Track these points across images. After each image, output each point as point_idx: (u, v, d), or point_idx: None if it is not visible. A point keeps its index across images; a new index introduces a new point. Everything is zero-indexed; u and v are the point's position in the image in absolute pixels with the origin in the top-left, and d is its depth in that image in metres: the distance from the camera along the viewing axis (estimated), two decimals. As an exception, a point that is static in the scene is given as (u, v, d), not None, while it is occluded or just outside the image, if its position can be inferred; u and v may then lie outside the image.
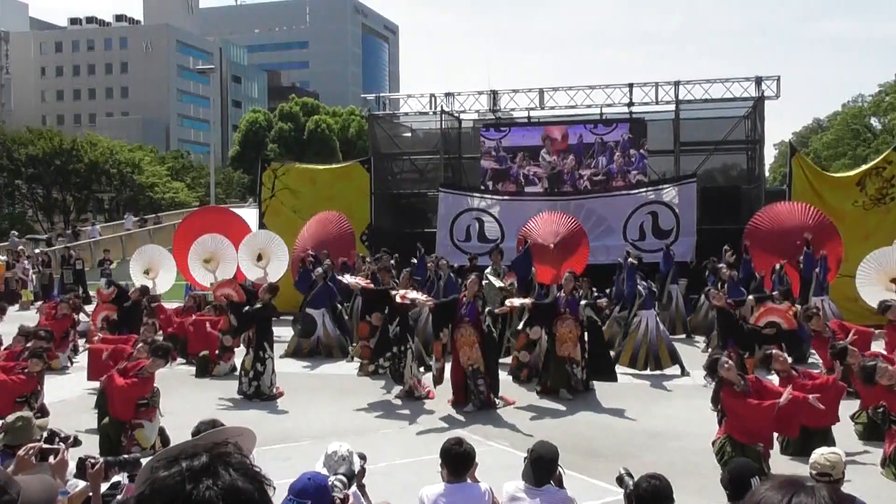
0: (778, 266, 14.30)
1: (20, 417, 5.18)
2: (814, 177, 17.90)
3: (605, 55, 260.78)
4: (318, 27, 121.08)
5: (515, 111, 23.32)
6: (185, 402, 10.51)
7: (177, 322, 14.13)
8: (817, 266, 13.99)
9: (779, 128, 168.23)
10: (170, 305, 15.61)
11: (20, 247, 29.27)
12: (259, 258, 16.30)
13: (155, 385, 8.43)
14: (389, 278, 12.98)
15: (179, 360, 12.65)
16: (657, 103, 21.16)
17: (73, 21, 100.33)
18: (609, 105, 21.61)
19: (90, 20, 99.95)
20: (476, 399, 10.18)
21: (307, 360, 13.82)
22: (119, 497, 3.96)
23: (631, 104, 21.22)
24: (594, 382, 11.21)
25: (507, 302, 11.62)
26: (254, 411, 10.22)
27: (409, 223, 21.61)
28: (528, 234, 15.13)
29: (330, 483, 4.18)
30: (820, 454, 5.43)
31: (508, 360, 12.98)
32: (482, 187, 20.95)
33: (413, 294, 11.04)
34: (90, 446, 7.69)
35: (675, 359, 12.32)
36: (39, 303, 19.83)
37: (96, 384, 9.66)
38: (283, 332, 13.93)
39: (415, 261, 17.35)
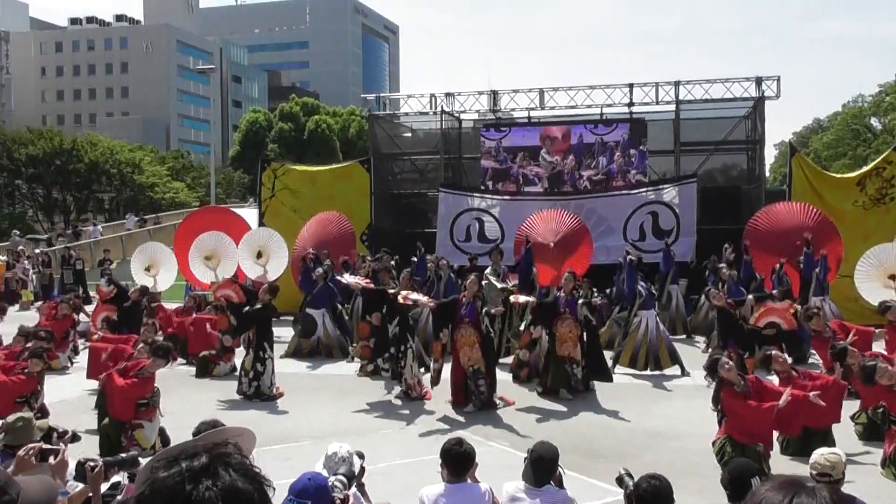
0: (777, 266, 14.30)
1: (20, 418, 5.17)
2: (814, 177, 17.91)
3: (605, 55, 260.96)
4: (318, 27, 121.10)
5: (516, 111, 23.32)
6: (186, 402, 10.50)
7: (177, 322, 14.13)
8: (817, 266, 13.99)
9: (779, 128, 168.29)
10: (170, 306, 15.61)
11: (20, 247, 29.27)
12: (259, 255, 16.30)
13: (155, 385, 8.43)
14: (389, 278, 12.98)
15: (180, 360, 12.64)
16: (657, 103, 21.17)
17: (74, 21, 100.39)
18: (609, 105, 21.63)
19: (90, 20, 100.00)
20: (476, 399, 10.17)
21: (307, 361, 13.82)
22: (119, 497, 3.96)
23: (631, 104, 21.22)
24: (594, 382, 11.21)
25: (512, 298, 11.65)
26: (254, 411, 10.22)
27: (409, 223, 21.61)
28: (528, 233, 15.10)
29: (330, 483, 4.18)
30: (820, 454, 5.43)
31: (509, 360, 13.00)
32: (482, 187, 20.96)
33: (415, 295, 11.05)
34: (90, 447, 7.70)
35: (674, 359, 12.32)
36: (39, 303, 19.82)
37: (96, 384, 9.66)
38: (284, 333, 13.92)
39: (415, 259, 17.36)
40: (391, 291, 11.57)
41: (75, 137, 53.60)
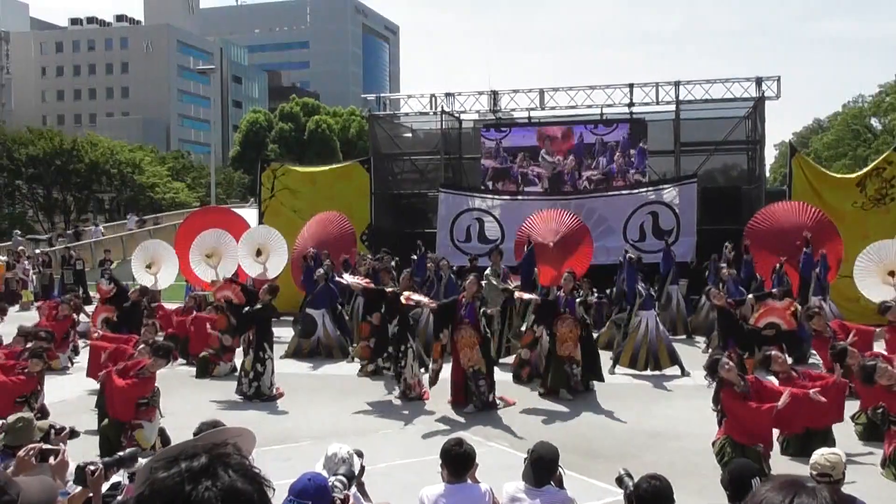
0: (777, 266, 14.30)
1: (20, 418, 5.17)
2: (814, 177, 17.91)
3: (605, 55, 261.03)
4: (318, 27, 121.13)
5: (516, 111, 23.33)
6: (186, 402, 10.50)
7: (177, 321, 14.14)
8: (817, 266, 13.98)
9: (779, 128, 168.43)
10: (170, 306, 15.61)
11: (20, 247, 29.28)
12: (258, 253, 16.29)
13: (156, 385, 8.43)
14: (389, 279, 12.98)
15: (180, 360, 12.63)
16: (657, 103, 21.19)
17: (74, 21, 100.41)
18: (609, 105, 21.65)
19: (91, 20, 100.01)
20: (477, 400, 10.17)
21: (307, 361, 13.82)
22: (119, 497, 3.95)
23: (631, 104, 21.23)
24: (594, 382, 11.21)
25: (516, 294, 11.66)
26: (254, 412, 10.22)
27: (409, 223, 21.62)
28: (529, 233, 15.09)
29: (330, 484, 4.17)
30: (820, 455, 5.43)
31: (509, 360, 13.00)
32: (482, 187, 20.96)
33: (417, 296, 11.07)
34: (90, 447, 7.71)
35: (674, 359, 12.32)
36: (39, 303, 19.80)
37: (96, 385, 9.65)
38: (284, 333, 13.92)
39: (415, 257, 17.37)
40: (389, 290, 11.58)
41: (75, 137, 53.60)
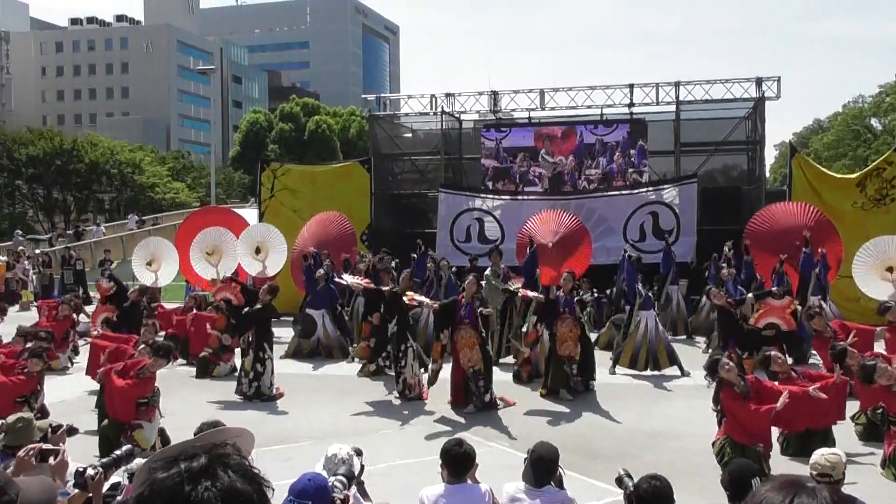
0: (778, 265, 14.30)
1: (20, 419, 5.16)
2: (814, 177, 17.91)
3: (605, 55, 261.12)
4: (318, 27, 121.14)
5: (516, 112, 23.34)
6: (186, 402, 10.50)
7: (177, 320, 14.13)
8: (816, 266, 13.98)
9: (779, 128, 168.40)
10: (170, 306, 15.60)
11: (20, 247, 29.27)
12: (258, 251, 16.29)
13: (156, 385, 8.42)
14: (389, 279, 12.98)
15: (180, 360, 12.63)
16: (657, 104, 21.20)
17: (74, 21, 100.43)
18: (609, 105, 21.66)
19: (91, 20, 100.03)
20: (477, 400, 10.17)
21: (307, 361, 13.82)
22: (119, 498, 3.95)
23: (631, 105, 21.24)
24: (594, 382, 11.21)
25: (521, 292, 11.67)
26: (254, 412, 10.21)
27: (409, 223, 21.62)
28: (529, 233, 15.08)
29: (330, 484, 4.17)
30: (820, 455, 5.43)
31: (509, 360, 13.00)
32: (483, 186, 20.97)
33: (420, 297, 11.09)
34: (90, 447, 7.71)
35: (673, 360, 12.31)
36: (39, 302, 19.79)
37: (96, 385, 9.64)
38: (284, 333, 13.92)
39: (415, 255, 17.37)
40: (385, 289, 11.59)
41: (75, 137, 53.61)
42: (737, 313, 11.00)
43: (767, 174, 37.74)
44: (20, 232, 33.95)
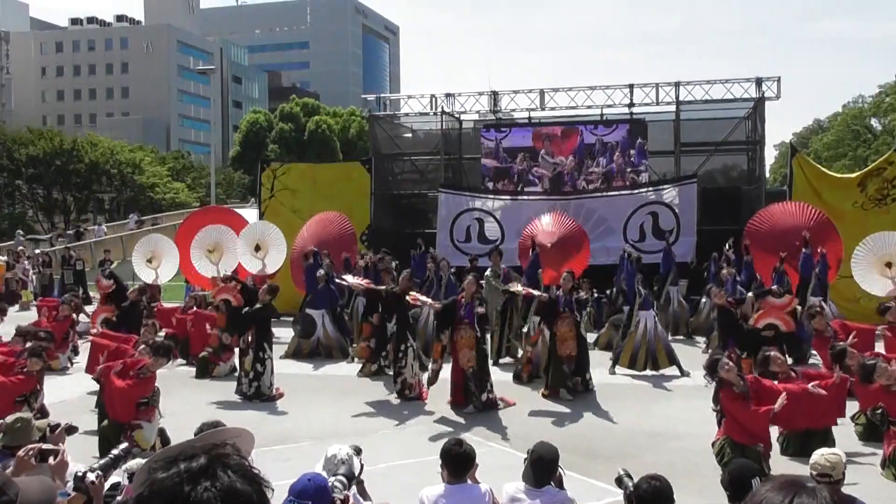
0: (778, 264, 14.29)
1: (19, 419, 5.16)
2: (814, 177, 17.91)
3: (605, 55, 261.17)
4: (318, 27, 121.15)
5: (516, 112, 23.34)
6: (186, 403, 10.50)
7: (177, 320, 14.13)
8: (816, 266, 13.97)
9: (779, 128, 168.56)
10: (170, 306, 15.59)
11: (20, 247, 29.27)
12: (257, 249, 16.28)
13: (156, 385, 8.42)
14: (390, 280, 12.98)
15: (180, 360, 12.63)
16: (657, 104, 21.20)
17: (74, 21, 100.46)
18: (609, 106, 21.67)
19: (91, 20, 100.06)
20: (477, 400, 10.17)
21: (307, 361, 13.82)
22: (119, 498, 3.95)
23: (631, 105, 21.24)
24: (594, 382, 11.21)
25: (524, 291, 11.68)
26: (254, 412, 10.21)
27: (409, 223, 21.62)
28: (531, 235, 15.08)
29: (330, 484, 4.17)
30: (820, 455, 5.43)
31: (509, 359, 13.00)
32: (483, 187, 20.96)
33: (423, 298, 11.10)
34: (90, 447, 7.71)
35: (672, 360, 12.31)
36: (38, 301, 19.78)
37: (96, 385, 9.63)
38: (284, 333, 13.92)
39: (414, 253, 17.35)
40: (381, 288, 11.59)
41: (75, 138, 53.62)
42: (737, 313, 10.99)
43: (767, 174, 37.74)
44: (21, 232, 33.95)
